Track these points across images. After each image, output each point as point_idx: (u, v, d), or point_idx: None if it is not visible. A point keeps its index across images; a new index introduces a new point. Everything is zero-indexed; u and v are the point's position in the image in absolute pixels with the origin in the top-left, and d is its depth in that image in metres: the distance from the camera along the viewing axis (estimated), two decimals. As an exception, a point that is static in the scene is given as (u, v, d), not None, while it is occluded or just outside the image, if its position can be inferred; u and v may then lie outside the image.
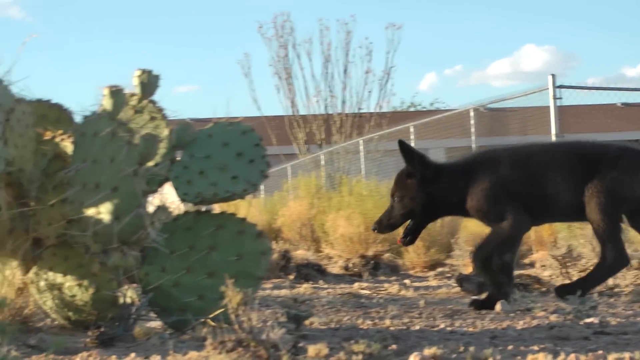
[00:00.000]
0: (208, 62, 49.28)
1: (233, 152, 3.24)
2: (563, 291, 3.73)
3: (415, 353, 2.33)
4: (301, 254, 7.24)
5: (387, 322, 3.33)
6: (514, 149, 4.30)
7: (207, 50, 49.33)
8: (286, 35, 18.56)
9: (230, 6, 46.66)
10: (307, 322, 3.04)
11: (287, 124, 18.49)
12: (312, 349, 2.28)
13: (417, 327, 3.22)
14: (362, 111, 18.43)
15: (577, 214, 3.86)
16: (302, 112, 18.60)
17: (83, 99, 4.12)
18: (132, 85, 3.12)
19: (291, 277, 5.94)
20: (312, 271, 6.08)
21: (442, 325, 3.25)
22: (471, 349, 2.41)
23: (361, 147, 14.70)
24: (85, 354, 2.59)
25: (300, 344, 2.36)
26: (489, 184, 3.80)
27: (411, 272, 6.76)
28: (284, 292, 4.96)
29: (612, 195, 3.70)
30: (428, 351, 2.34)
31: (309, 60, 18.67)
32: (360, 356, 2.28)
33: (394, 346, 2.48)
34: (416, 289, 5.18)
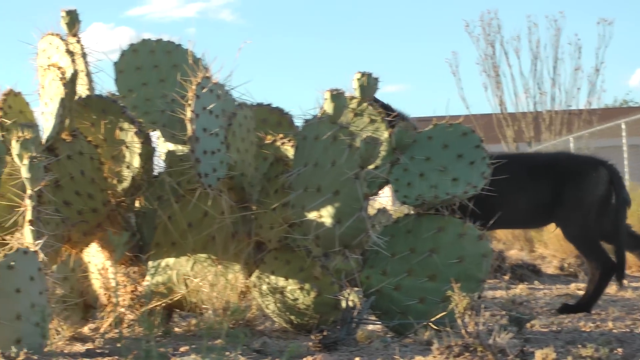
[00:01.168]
0: (416, 61, 51.90)
1: (453, 154, 3.78)
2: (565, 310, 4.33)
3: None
4: (515, 254, 7.93)
5: (610, 324, 3.72)
6: None
7: (415, 49, 51.96)
8: (493, 33, 20.46)
9: (436, 5, 48.84)
10: (528, 324, 3.50)
11: (495, 122, 20.22)
12: (539, 354, 2.69)
13: (641, 330, 3.57)
14: (571, 108, 19.98)
15: None
16: (511, 110, 20.46)
17: (303, 102, 4.92)
18: (351, 87, 3.78)
19: (506, 277, 6.54)
20: (526, 271, 6.72)
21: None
22: None
23: (571, 145, 15.95)
24: (309, 358, 3.17)
25: (526, 348, 2.79)
26: None
27: (627, 271, 7.07)
28: (499, 293, 5.51)
29: None
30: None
31: (517, 58, 20.55)
32: (587, 360, 2.65)
33: (619, 350, 2.84)
34: (635, 289, 5.52)
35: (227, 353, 2.79)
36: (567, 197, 4.43)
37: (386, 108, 4.23)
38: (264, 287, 3.98)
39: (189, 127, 3.73)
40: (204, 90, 3.79)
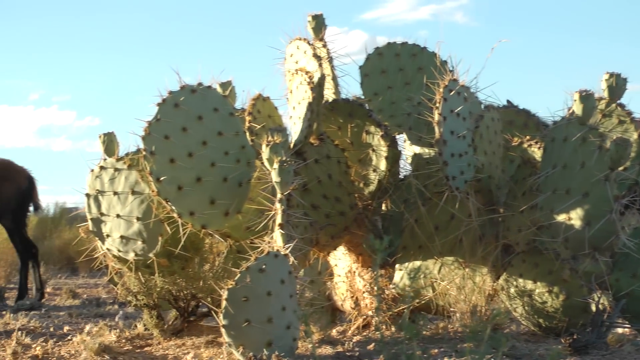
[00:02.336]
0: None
1: None
2: None
3: None
4: None
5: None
6: None
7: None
8: None
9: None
10: None
11: None
12: None
13: None
14: None
15: None
16: None
17: (550, 103, 5.45)
18: (599, 88, 4.29)
19: None
20: None
21: None
22: None
23: None
24: (562, 362, 3.73)
25: None
26: None
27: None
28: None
29: None
30: None
31: None
32: None
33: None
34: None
35: (488, 356, 2.94)
36: None
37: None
38: (512, 290, 4.52)
39: (437, 129, 4.21)
40: (452, 93, 4.29)
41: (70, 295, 8.63)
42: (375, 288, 4.68)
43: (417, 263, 4.84)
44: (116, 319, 6.29)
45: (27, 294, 8.18)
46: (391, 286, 4.83)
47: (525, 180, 4.49)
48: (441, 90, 4.28)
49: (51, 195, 27.68)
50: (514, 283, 4.57)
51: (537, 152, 4.49)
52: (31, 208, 8.51)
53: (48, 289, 9.38)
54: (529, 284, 4.52)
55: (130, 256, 4.67)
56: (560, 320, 4.37)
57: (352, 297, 4.94)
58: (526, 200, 4.43)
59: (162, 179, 4.27)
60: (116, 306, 7.60)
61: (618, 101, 4.39)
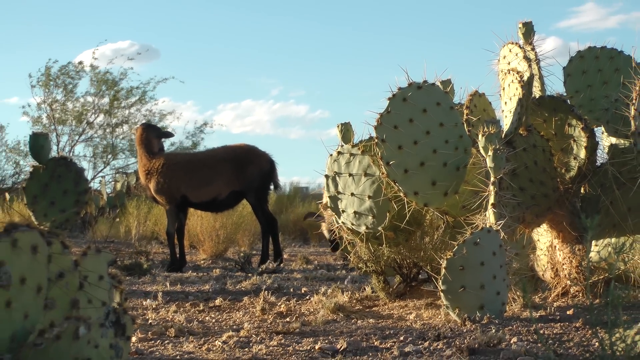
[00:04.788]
0: None
1: None
2: None
3: None
4: None
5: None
6: None
7: None
8: None
9: None
10: None
11: None
12: None
13: None
14: None
15: None
16: None
17: None
18: None
19: None
20: None
21: None
22: None
23: None
24: None
25: None
26: None
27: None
28: None
29: None
30: None
31: None
32: None
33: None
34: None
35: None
36: None
37: None
38: None
39: (633, 123, 4.24)
40: None
41: (304, 261, 9.12)
42: (586, 261, 4.74)
43: (612, 239, 4.94)
44: (345, 283, 6.60)
45: (268, 259, 8.63)
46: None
47: None
48: (637, 88, 4.29)
49: (287, 176, 28.93)
50: None
51: None
52: (271, 187, 8.97)
53: (285, 255, 9.89)
54: None
55: (362, 229, 4.92)
56: None
57: (553, 268, 5.05)
58: None
59: (391, 163, 4.49)
60: (344, 271, 7.91)
61: None
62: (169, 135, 9.59)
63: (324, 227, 8.64)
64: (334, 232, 5.16)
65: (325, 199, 5.18)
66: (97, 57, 23.84)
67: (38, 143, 6.81)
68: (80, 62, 23.87)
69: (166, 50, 33.19)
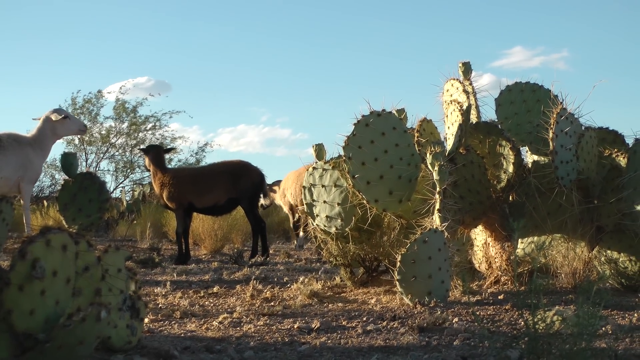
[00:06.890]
0: None
1: None
2: None
3: None
4: None
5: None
6: None
7: None
8: None
9: None
10: None
11: None
12: None
13: None
14: None
15: None
16: None
17: (633, 125, 5.48)
18: None
19: None
20: None
21: None
22: None
23: None
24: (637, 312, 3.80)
25: None
26: None
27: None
28: None
29: None
30: None
31: None
32: None
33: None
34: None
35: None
36: None
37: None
38: (602, 258, 4.62)
39: (551, 144, 4.22)
40: (562, 118, 4.29)
41: (286, 255, 8.98)
42: (514, 255, 4.72)
43: (534, 238, 4.89)
44: (319, 273, 6.52)
45: (257, 254, 8.55)
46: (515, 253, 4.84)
47: (614, 181, 4.53)
48: (554, 115, 4.28)
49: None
50: (604, 253, 4.65)
51: (622, 161, 4.53)
52: (261, 195, 8.89)
53: (271, 251, 9.76)
54: (615, 254, 4.61)
55: (333, 230, 4.88)
56: (637, 280, 4.49)
57: (487, 261, 5.00)
58: (614, 195, 4.48)
59: (356, 176, 4.40)
60: (318, 264, 7.81)
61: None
62: (172, 149, 9.68)
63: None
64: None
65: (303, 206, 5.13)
66: (123, 92, 23.58)
67: (68, 161, 6.79)
68: (99, 91, 23.63)
69: (177, 84, 33.30)
